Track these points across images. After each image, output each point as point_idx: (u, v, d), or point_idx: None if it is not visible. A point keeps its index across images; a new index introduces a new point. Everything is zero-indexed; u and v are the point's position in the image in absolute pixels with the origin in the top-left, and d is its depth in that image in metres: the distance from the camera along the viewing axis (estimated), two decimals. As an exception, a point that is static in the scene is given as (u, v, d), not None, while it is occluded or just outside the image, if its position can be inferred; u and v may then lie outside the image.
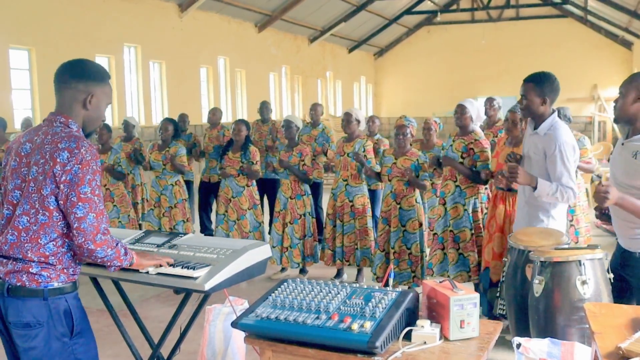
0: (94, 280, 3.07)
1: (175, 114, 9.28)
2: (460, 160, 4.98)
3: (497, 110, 6.74)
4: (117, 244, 2.37)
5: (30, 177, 2.29)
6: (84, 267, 2.75)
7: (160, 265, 2.65)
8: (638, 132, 2.95)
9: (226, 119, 13.78)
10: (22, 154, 2.36)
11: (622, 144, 3.02)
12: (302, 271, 6.33)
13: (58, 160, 2.24)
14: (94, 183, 2.27)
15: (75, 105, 2.39)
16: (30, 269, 2.27)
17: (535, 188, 3.65)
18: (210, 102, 14.35)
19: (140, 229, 7.59)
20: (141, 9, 11.95)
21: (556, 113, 3.82)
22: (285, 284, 2.56)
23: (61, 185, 2.24)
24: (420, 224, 5.40)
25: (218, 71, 14.91)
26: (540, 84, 3.73)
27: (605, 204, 2.79)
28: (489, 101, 6.80)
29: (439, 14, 20.41)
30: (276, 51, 17.22)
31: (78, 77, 2.38)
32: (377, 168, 5.72)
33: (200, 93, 14.25)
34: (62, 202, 2.25)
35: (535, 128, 3.82)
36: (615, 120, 3.09)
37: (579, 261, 3.08)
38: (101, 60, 11.12)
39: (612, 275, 3.09)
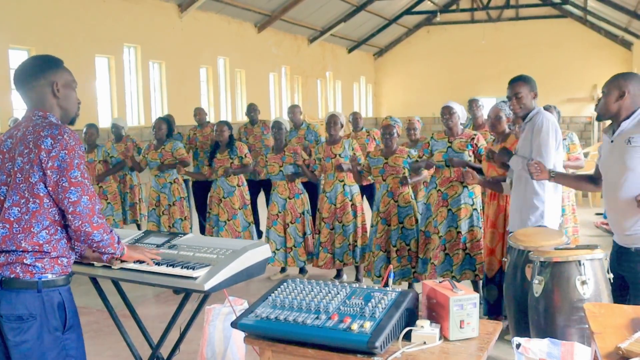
0: (94, 280, 3.06)
1: (176, 114, 9.29)
2: (469, 157, 5.06)
3: (482, 110, 6.68)
4: (111, 231, 2.41)
5: (15, 169, 2.30)
6: (84, 267, 2.76)
7: (143, 262, 2.68)
8: (622, 127, 3.05)
9: (226, 119, 13.77)
10: (4, 150, 2.38)
11: (612, 141, 3.10)
12: (302, 271, 6.34)
13: (42, 147, 2.26)
14: (82, 167, 2.31)
15: (47, 99, 2.40)
16: (24, 260, 2.27)
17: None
18: (210, 102, 14.34)
19: (140, 229, 7.61)
20: (141, 9, 11.94)
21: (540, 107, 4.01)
22: (285, 284, 2.56)
23: (48, 172, 2.25)
24: (417, 220, 5.47)
25: (218, 71, 14.90)
26: (528, 81, 3.92)
27: (538, 177, 3.47)
28: (474, 102, 6.74)
29: (438, 14, 20.39)
30: (276, 51, 17.21)
31: (34, 74, 2.39)
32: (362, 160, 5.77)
33: (200, 93, 14.24)
34: (51, 189, 2.27)
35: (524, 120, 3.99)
36: (598, 118, 3.23)
37: (579, 261, 3.09)
38: (101, 61, 11.12)
39: (611, 275, 3.10)
